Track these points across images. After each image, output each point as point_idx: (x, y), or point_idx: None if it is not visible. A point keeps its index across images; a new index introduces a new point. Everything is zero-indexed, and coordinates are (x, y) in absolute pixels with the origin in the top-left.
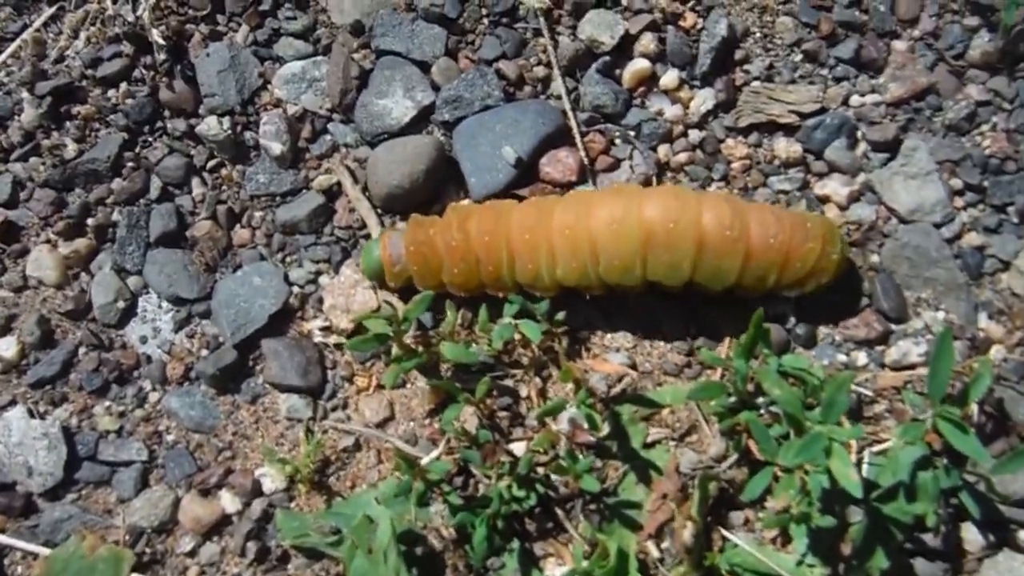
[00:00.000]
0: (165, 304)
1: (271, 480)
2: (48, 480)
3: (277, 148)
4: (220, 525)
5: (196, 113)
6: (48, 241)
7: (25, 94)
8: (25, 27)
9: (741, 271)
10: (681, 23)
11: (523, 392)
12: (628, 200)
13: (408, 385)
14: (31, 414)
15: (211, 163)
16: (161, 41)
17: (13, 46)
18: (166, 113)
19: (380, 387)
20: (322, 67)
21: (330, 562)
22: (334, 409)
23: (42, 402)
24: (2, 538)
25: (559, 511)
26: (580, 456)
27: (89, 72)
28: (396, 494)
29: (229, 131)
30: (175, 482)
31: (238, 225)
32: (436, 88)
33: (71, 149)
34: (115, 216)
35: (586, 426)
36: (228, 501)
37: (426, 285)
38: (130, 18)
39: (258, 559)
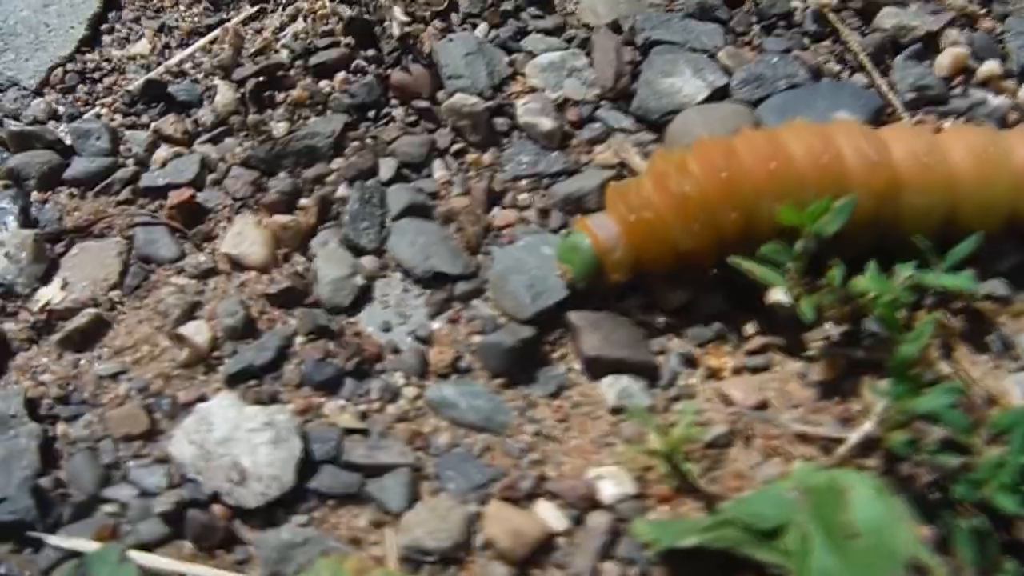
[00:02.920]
0: (414, 288)
1: (613, 484)
2: (272, 487)
3: (547, 124)
4: (544, 549)
5: (433, 99)
6: (254, 211)
7: (219, 81)
8: (223, 22)
9: None
10: (979, 25)
11: None
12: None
13: (774, 369)
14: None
15: (455, 147)
16: (403, 17)
17: (210, 36)
18: (392, 100)
19: (739, 372)
20: (582, 58)
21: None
22: (676, 399)
23: (245, 402)
24: (200, 570)
25: None
26: None
27: (298, 63)
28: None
29: (488, 104)
30: (461, 495)
31: (497, 207)
32: (728, 73)
33: (281, 127)
34: (340, 192)
35: None
36: (551, 516)
37: (658, 262)
38: (348, 12)
39: None
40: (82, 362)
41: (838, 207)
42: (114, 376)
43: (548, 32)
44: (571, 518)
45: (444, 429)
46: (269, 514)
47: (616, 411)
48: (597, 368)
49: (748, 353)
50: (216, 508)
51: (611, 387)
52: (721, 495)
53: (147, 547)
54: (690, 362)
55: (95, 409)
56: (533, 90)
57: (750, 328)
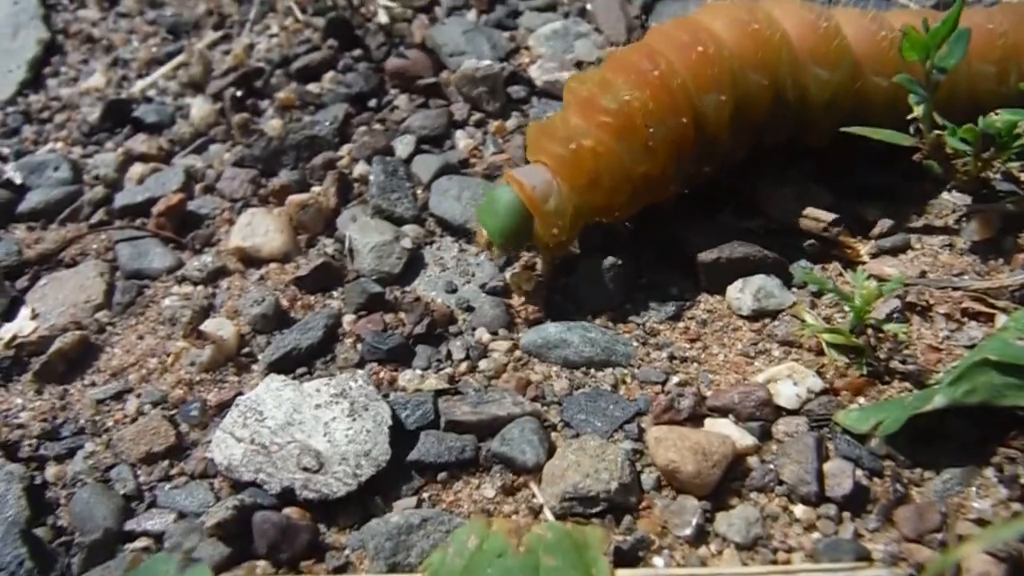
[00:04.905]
0: (471, 246)
1: (792, 385)
2: (364, 466)
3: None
4: (735, 474)
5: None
6: (259, 206)
7: (191, 99)
8: (182, 49)
9: None
10: None
11: None
12: None
13: (915, 246)
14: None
15: (474, 117)
16: (388, 3)
17: (175, 61)
18: (392, 88)
19: (877, 256)
20: (584, 25)
21: None
22: (819, 294)
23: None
24: None
25: None
26: None
27: (278, 72)
28: None
29: (503, 66)
30: (606, 435)
31: None
32: None
33: (274, 124)
34: (358, 171)
35: None
36: (732, 431)
37: (612, 202)
38: (328, 17)
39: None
40: (71, 392)
41: (954, 38)
42: (118, 396)
43: (541, 9)
44: (755, 431)
45: (558, 374)
46: (361, 505)
47: (756, 316)
48: (717, 274)
49: (879, 236)
50: (290, 511)
51: (743, 292)
52: (926, 370)
53: None
54: (818, 256)
55: (98, 437)
56: (541, 57)
57: (869, 214)
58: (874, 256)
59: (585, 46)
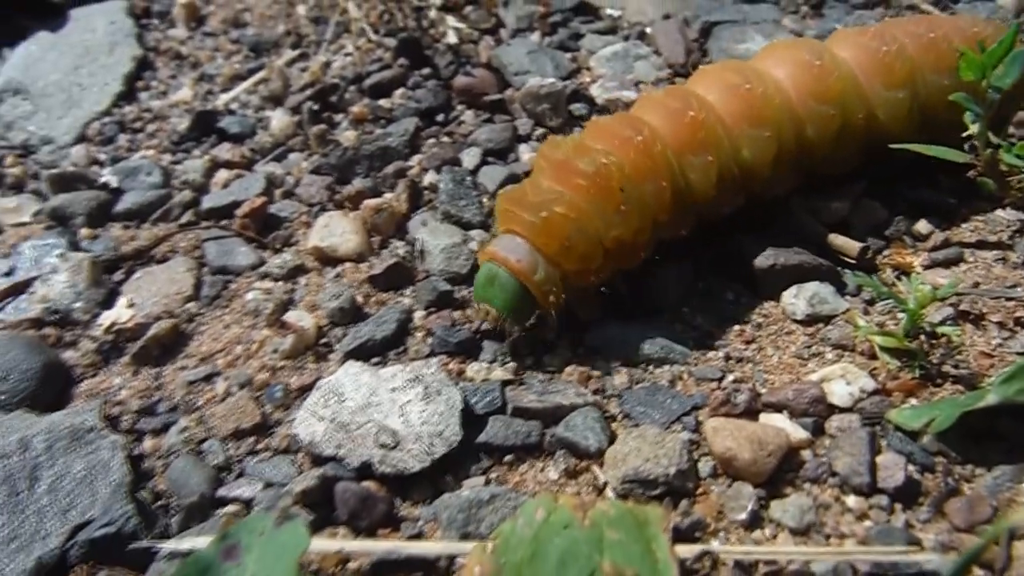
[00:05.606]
0: None
1: (844, 385)
2: (437, 445)
3: (631, 95)
4: (789, 465)
5: (501, 96)
6: (335, 210)
7: (270, 112)
8: (263, 66)
9: None
10: None
11: None
12: None
13: (968, 260)
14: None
15: (537, 132)
16: (458, 24)
17: (256, 77)
18: (459, 104)
19: (929, 268)
20: (643, 48)
21: None
22: (871, 302)
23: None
24: (378, 544)
25: None
26: None
27: (352, 87)
28: None
29: (567, 84)
30: (664, 427)
31: None
32: (799, 35)
33: (349, 135)
34: (427, 179)
35: None
36: (786, 426)
37: (585, 268)
38: (388, 44)
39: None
40: (165, 373)
41: (1010, 58)
42: (207, 378)
43: (602, 32)
44: (808, 427)
45: (617, 370)
46: (433, 482)
47: (810, 321)
48: (772, 280)
49: (932, 249)
50: (368, 484)
51: (797, 297)
52: (979, 374)
53: None
54: (870, 268)
55: (190, 414)
56: (602, 77)
57: (923, 227)
58: (927, 267)
59: (644, 67)
